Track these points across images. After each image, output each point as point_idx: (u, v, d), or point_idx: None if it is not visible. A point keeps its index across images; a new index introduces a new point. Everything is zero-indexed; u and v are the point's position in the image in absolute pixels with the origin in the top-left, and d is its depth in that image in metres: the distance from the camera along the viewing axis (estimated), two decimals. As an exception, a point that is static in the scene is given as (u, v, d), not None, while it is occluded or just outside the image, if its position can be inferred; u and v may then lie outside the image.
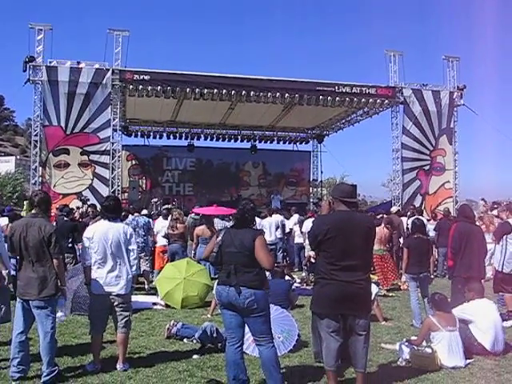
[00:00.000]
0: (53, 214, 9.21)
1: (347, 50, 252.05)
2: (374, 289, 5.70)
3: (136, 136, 22.09)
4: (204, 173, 22.63)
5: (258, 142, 23.21)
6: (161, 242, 10.05)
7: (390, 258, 9.75)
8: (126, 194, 18.96)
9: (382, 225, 9.52)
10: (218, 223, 11.17)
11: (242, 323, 4.01)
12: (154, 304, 7.77)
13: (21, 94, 26.29)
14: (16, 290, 4.47)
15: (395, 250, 10.79)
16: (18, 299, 4.44)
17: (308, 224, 9.13)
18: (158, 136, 22.04)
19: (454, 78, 17.79)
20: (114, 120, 15.26)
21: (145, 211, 11.21)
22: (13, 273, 4.90)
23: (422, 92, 17.22)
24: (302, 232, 11.09)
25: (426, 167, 17.39)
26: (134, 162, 22.00)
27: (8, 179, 39.56)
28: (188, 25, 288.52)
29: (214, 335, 5.35)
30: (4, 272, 4.74)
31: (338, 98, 16.14)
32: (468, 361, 5.00)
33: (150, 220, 10.11)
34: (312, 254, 7.97)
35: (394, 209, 13.48)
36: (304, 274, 10.48)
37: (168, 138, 22.09)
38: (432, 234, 11.13)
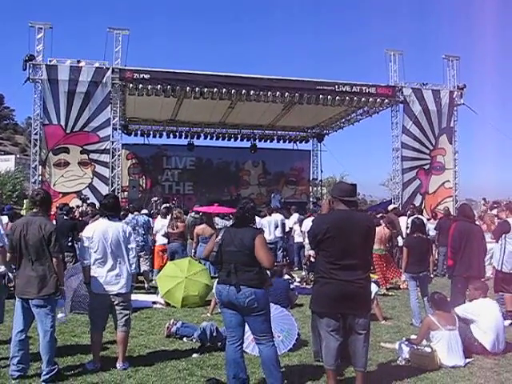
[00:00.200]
0: (53, 213, 9.21)
1: (347, 49, 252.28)
2: (374, 288, 5.70)
3: (136, 135, 22.01)
4: (204, 172, 22.57)
5: (257, 141, 23.10)
6: (160, 240, 10.06)
7: (390, 257, 9.76)
8: (125, 193, 18.93)
9: (383, 224, 9.52)
10: (219, 222, 11.18)
11: (242, 322, 4.02)
12: (154, 303, 7.78)
13: (21, 92, 26.26)
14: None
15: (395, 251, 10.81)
16: (17, 298, 4.43)
17: (308, 223, 9.13)
18: (157, 135, 22.00)
19: (454, 78, 17.77)
20: (113, 119, 15.23)
21: (145, 210, 11.21)
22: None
23: (422, 91, 17.20)
24: (301, 231, 11.11)
25: (426, 166, 17.36)
26: (133, 161, 21.92)
27: (8, 178, 39.39)
28: (188, 24, 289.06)
29: (214, 334, 5.35)
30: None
31: (337, 97, 16.10)
32: (467, 360, 5.00)
33: (150, 219, 10.12)
34: (312, 253, 7.98)
35: (390, 207, 13.44)
36: (304, 273, 10.49)
37: (168, 136, 22.03)
38: (432, 233, 11.14)
